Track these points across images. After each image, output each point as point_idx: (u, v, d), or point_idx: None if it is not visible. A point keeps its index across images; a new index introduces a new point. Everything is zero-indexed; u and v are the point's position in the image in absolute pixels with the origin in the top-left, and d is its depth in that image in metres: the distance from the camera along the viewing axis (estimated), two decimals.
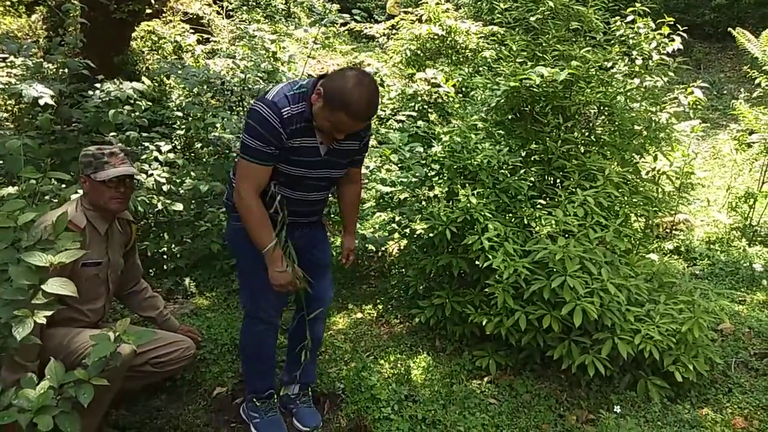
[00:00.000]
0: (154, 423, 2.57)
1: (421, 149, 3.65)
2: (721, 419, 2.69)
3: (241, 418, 2.67)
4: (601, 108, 3.44)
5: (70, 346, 2.26)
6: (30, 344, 1.98)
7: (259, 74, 4.34)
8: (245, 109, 4.35)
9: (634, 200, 3.24)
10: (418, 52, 6.67)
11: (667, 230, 4.87)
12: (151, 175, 3.75)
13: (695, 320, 2.77)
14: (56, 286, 1.87)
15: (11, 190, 3.41)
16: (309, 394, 2.73)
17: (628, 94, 3.50)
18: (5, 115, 6.42)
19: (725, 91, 8.69)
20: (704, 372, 2.80)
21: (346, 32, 9.34)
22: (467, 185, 3.15)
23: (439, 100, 6.13)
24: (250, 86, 4.26)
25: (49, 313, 1.87)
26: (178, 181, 3.96)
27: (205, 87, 4.36)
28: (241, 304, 2.60)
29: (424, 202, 3.66)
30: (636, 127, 3.50)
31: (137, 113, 4.06)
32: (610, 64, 3.68)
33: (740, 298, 3.86)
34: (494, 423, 2.62)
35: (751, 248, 4.55)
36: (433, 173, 3.50)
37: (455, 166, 3.24)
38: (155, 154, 3.91)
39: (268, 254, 2.24)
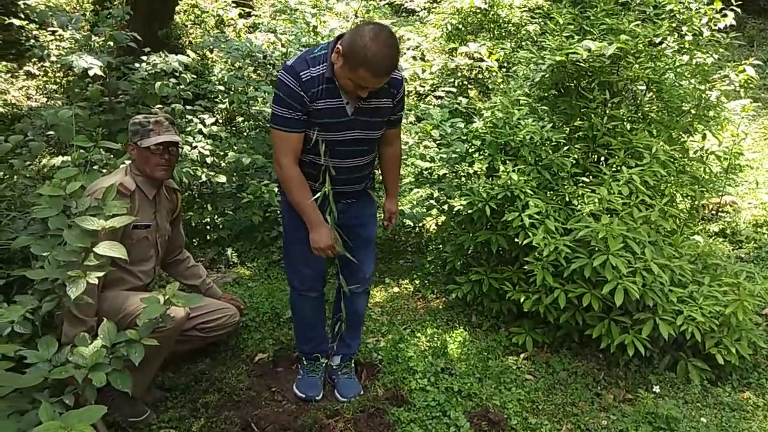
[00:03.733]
0: (199, 385, 2.66)
1: (462, 125, 3.62)
2: (764, 403, 2.64)
3: (280, 384, 2.74)
4: (650, 84, 3.34)
5: (123, 308, 2.35)
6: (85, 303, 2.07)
7: (299, 48, 4.35)
8: None
9: (680, 180, 3.16)
10: (460, 26, 6.56)
11: (713, 212, 4.75)
12: (195, 147, 3.82)
13: (740, 303, 2.71)
14: (107, 248, 1.95)
15: (64, 158, 3.53)
16: (350, 366, 2.77)
17: (678, 70, 3.39)
18: (55, 87, 6.61)
19: None
20: (747, 355, 2.75)
21: (387, 5, 9.24)
22: (508, 162, 3.12)
23: (480, 76, 6.05)
24: None
25: (101, 274, 1.95)
26: (221, 153, 4.03)
27: (247, 61, 4.39)
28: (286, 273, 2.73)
29: (463, 178, 3.65)
30: (685, 105, 3.40)
31: (182, 86, 4.13)
32: (659, 40, 3.57)
33: None
34: (530, 398, 2.63)
35: None
36: (473, 149, 3.47)
37: (497, 142, 3.21)
38: (199, 126, 3.98)
39: (308, 214, 2.27)
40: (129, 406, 2.40)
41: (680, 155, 3.22)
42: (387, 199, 2.65)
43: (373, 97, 2.20)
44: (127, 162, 2.62)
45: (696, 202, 3.57)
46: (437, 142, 3.90)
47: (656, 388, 2.67)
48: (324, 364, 2.74)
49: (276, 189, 3.70)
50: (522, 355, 2.96)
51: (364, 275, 2.60)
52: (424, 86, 7.16)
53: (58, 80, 6.96)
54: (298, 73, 2.12)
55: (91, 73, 3.68)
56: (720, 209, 4.75)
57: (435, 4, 7.72)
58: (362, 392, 2.67)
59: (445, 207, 3.77)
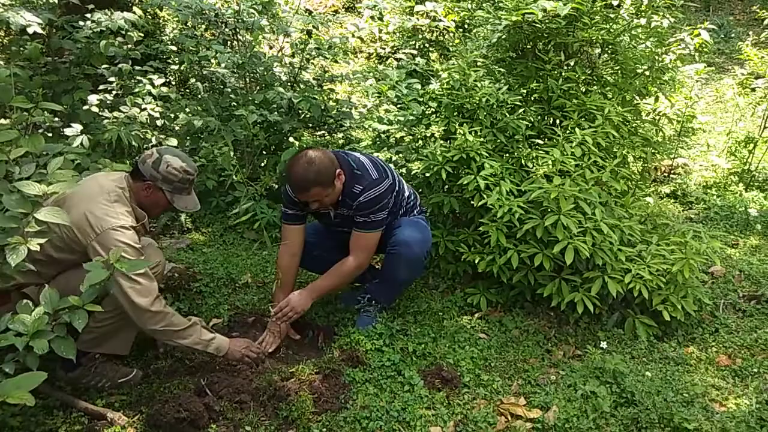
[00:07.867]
0: (150, 352, 2.62)
1: (419, 86, 3.58)
2: (706, 357, 2.75)
3: None
4: (605, 46, 3.36)
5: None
6: None
7: (254, 6, 4.20)
8: (240, 42, 4.24)
9: (632, 141, 3.21)
10: None
11: (665, 173, 4.86)
12: (144, 109, 3.69)
13: (686, 261, 2.79)
14: (48, 214, 1.87)
15: (3, 121, 3.37)
16: (372, 307, 2.90)
17: (633, 33, 3.41)
18: None
19: (733, 35, 8.47)
20: (692, 312, 2.85)
21: None
22: (465, 124, 3.11)
23: (440, 38, 5.98)
24: (244, 18, 4.13)
25: (42, 241, 1.88)
26: (171, 116, 3.90)
27: (198, 19, 4.22)
28: None
29: (420, 141, 3.63)
30: (639, 68, 3.43)
31: (129, 45, 3.96)
32: (616, 2, 3.57)
33: (733, 242, 3.88)
34: (483, 356, 2.69)
35: (747, 193, 4.55)
36: (430, 111, 3.44)
37: (453, 104, 3.19)
38: (148, 87, 3.83)
39: None
40: (114, 370, 2.42)
41: (633, 117, 3.27)
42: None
43: (343, 208, 2.71)
44: (126, 194, 2.37)
45: (648, 164, 3.64)
46: (397, 105, 3.85)
47: (604, 344, 2.75)
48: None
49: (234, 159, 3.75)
50: (476, 315, 3.00)
51: (396, 237, 2.74)
52: (384, 48, 7.06)
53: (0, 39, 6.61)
54: None
55: (30, 30, 3.48)
56: (672, 171, 4.87)
57: None
58: (374, 325, 2.81)
59: (403, 171, 3.75)
